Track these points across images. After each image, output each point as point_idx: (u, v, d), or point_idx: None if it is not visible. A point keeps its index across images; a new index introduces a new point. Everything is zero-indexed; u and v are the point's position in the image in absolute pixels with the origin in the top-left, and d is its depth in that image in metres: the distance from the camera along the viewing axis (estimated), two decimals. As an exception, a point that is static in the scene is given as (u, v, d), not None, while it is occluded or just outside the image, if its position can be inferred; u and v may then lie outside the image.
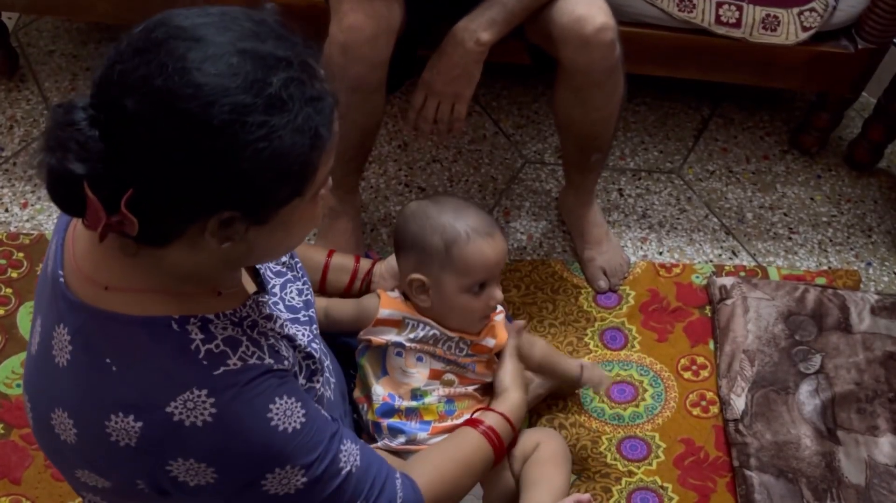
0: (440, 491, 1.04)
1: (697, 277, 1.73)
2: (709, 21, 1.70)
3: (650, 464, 1.47)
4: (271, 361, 0.82)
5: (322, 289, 1.33)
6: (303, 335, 0.93)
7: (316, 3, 1.68)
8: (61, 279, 0.80)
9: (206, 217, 0.71)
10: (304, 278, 1.05)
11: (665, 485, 1.45)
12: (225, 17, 0.70)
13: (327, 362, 1.04)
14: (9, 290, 1.60)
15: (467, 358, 1.23)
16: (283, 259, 1.02)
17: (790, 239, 1.84)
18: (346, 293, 1.33)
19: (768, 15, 1.70)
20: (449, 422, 1.20)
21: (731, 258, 1.80)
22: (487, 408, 1.20)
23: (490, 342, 1.24)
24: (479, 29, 1.33)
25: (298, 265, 1.05)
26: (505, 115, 2.03)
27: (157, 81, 0.66)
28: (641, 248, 1.80)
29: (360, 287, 1.34)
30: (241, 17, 0.71)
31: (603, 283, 1.68)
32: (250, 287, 0.91)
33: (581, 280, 1.71)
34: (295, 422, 0.81)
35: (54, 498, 1.36)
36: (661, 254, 1.79)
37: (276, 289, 0.97)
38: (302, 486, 0.83)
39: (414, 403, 1.17)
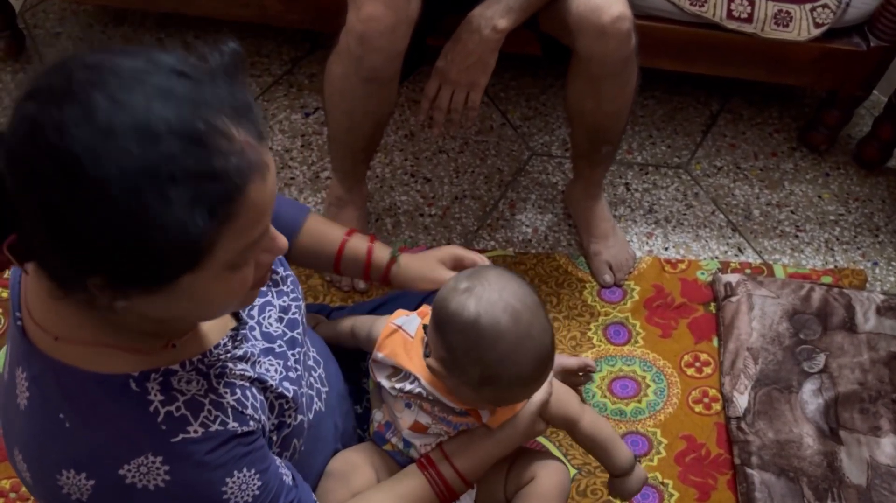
0: None
1: (703, 274, 1.72)
2: (720, 16, 1.68)
3: (651, 460, 1.47)
4: (235, 425, 0.80)
5: (337, 270, 1.21)
6: (275, 371, 0.90)
7: (325, -10, 1.67)
8: (18, 322, 0.78)
9: (83, 276, 0.67)
10: (295, 294, 1.00)
11: (666, 481, 1.45)
12: (138, 70, 0.64)
13: (305, 387, 0.97)
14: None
15: (459, 416, 1.03)
16: (279, 272, 0.97)
17: (797, 237, 1.83)
18: (365, 278, 1.20)
19: (780, 10, 1.69)
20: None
21: (736, 255, 1.79)
22: (446, 456, 1.03)
23: (486, 417, 1.03)
24: (495, 16, 1.32)
25: (290, 279, 1.00)
26: (513, 107, 2.02)
27: (36, 135, 0.62)
28: (647, 243, 1.79)
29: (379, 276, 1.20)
30: (161, 69, 0.65)
31: (608, 278, 1.68)
32: (229, 323, 0.88)
33: (586, 274, 1.70)
34: (248, 495, 0.80)
35: (55, 481, 1.36)
36: (666, 249, 1.78)
37: (255, 312, 0.92)
38: None
39: (402, 446, 1.07)
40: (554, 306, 1.65)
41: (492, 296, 0.93)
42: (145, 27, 2.06)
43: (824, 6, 1.70)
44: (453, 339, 0.93)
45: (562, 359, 1.50)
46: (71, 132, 0.61)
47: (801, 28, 1.69)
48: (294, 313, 0.97)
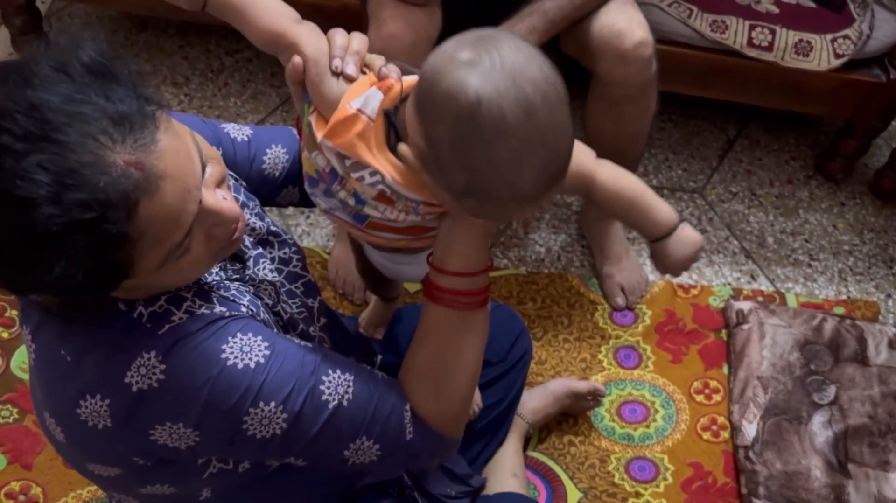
0: (450, 404, 0.88)
1: (715, 300, 1.72)
2: (741, 43, 1.69)
3: (657, 487, 1.47)
4: (223, 309, 0.79)
5: None
6: (270, 296, 0.88)
7: (348, 4, 1.68)
8: None
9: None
10: (296, 248, 0.97)
11: (671, 508, 1.45)
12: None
13: (310, 328, 0.94)
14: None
15: (429, 207, 0.81)
16: (273, 229, 0.95)
17: (810, 266, 1.83)
18: None
19: (801, 40, 1.69)
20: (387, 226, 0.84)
21: (749, 282, 1.79)
22: (439, 269, 0.84)
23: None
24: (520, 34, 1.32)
25: (286, 237, 0.97)
26: (529, 125, 2.02)
27: None
28: (660, 266, 1.79)
29: None
30: (25, 97, 0.63)
31: (620, 301, 1.68)
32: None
33: (598, 296, 1.70)
34: (256, 356, 0.77)
35: (64, 485, 1.37)
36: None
37: (250, 263, 0.90)
38: (285, 425, 0.79)
39: (353, 202, 0.82)
40: (565, 327, 1.65)
41: (503, 77, 0.68)
42: (167, 34, 2.08)
43: (845, 37, 1.70)
44: (439, 130, 0.71)
45: (571, 383, 1.50)
46: None
47: (822, 58, 1.69)
48: (295, 266, 0.96)
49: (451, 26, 1.43)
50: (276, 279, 0.92)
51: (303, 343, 0.84)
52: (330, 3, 1.72)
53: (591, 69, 1.45)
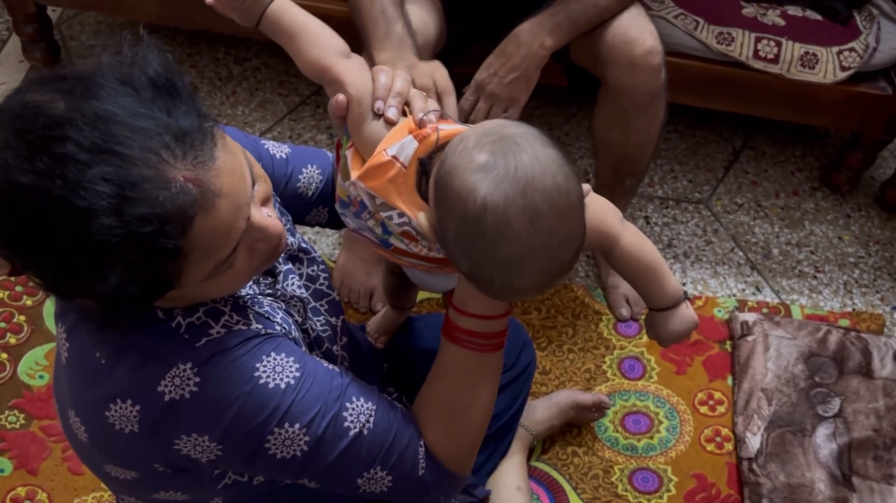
0: (461, 442, 0.90)
1: (720, 311, 1.72)
2: (747, 55, 1.69)
3: (661, 498, 1.47)
4: (259, 326, 0.80)
5: None
6: (299, 313, 0.90)
7: (356, 14, 1.69)
8: None
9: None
10: (323, 266, 0.99)
11: (675, 519, 1.45)
12: (65, 121, 0.64)
13: (334, 347, 0.96)
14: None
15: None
16: (304, 246, 0.98)
17: (815, 278, 1.83)
18: None
19: (807, 52, 1.69)
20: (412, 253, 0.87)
21: (754, 293, 1.79)
22: (459, 310, 0.85)
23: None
24: (544, 32, 1.34)
25: (315, 255, 0.99)
26: (535, 135, 2.03)
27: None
28: (665, 277, 1.79)
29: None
30: (91, 110, 0.64)
31: (625, 312, 1.68)
32: None
33: (603, 306, 1.71)
34: (287, 376, 0.78)
35: (69, 491, 1.38)
36: (684, 284, 1.78)
37: (280, 278, 0.93)
38: (306, 447, 0.80)
39: (380, 231, 0.86)
40: (570, 337, 1.65)
41: (514, 186, 0.70)
42: (177, 42, 2.09)
43: (851, 50, 1.70)
44: (447, 221, 0.74)
45: (576, 395, 1.50)
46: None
47: (828, 71, 1.69)
48: (322, 284, 0.98)
49: (459, 37, 1.45)
50: (304, 295, 0.94)
51: (330, 366, 0.85)
52: (337, 13, 1.73)
53: (600, 77, 1.45)
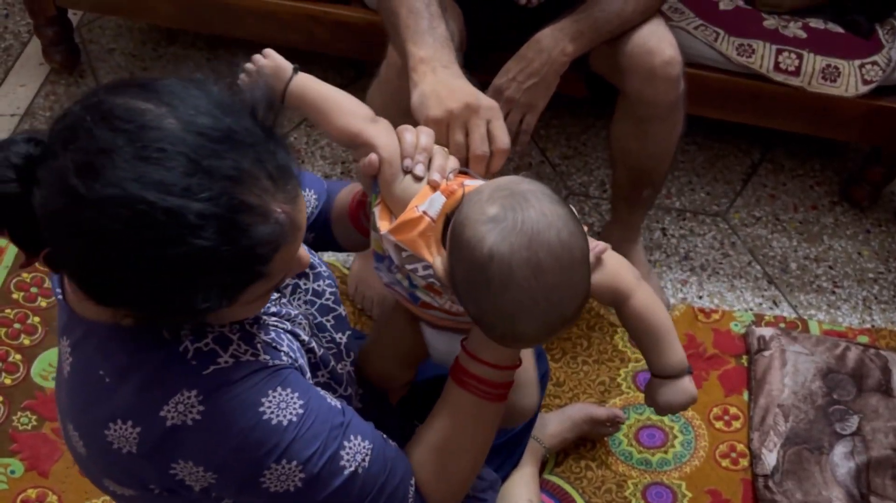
0: (451, 485, 0.92)
1: (736, 325, 1.70)
2: (767, 67, 1.68)
3: (675, 514, 1.45)
4: (267, 357, 0.81)
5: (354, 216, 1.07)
6: (305, 331, 0.92)
7: (374, 21, 1.69)
8: (60, 296, 0.82)
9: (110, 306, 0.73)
10: (330, 281, 1.00)
11: (688, 536, 1.43)
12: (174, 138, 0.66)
13: (338, 366, 0.97)
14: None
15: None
16: (311, 260, 0.97)
17: (834, 293, 1.81)
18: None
19: (829, 65, 1.68)
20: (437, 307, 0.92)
21: (771, 308, 1.77)
22: (471, 356, 0.88)
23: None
24: (566, 38, 1.32)
25: (321, 269, 1.01)
26: (553, 145, 2.02)
27: (71, 180, 0.65)
28: (681, 290, 1.78)
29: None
30: (195, 131, 0.67)
31: (640, 324, 1.66)
32: None
33: (616, 318, 1.69)
34: (290, 413, 0.79)
35: (80, 493, 1.38)
36: (700, 298, 1.77)
37: (287, 291, 0.95)
38: (301, 484, 0.80)
39: (406, 284, 0.90)
40: (584, 349, 1.64)
41: (519, 239, 0.75)
42: (196, 47, 2.10)
43: (873, 63, 1.68)
44: (457, 268, 0.79)
45: (590, 409, 1.49)
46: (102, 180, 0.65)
47: (849, 84, 1.68)
48: (328, 299, 0.99)
49: (477, 45, 1.45)
50: (309, 311, 0.94)
51: (333, 402, 0.85)
52: (356, 21, 1.73)
53: (619, 87, 1.45)
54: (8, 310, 1.58)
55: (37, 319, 1.58)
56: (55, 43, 1.93)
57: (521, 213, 0.75)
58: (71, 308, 0.80)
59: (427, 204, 0.84)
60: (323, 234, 1.04)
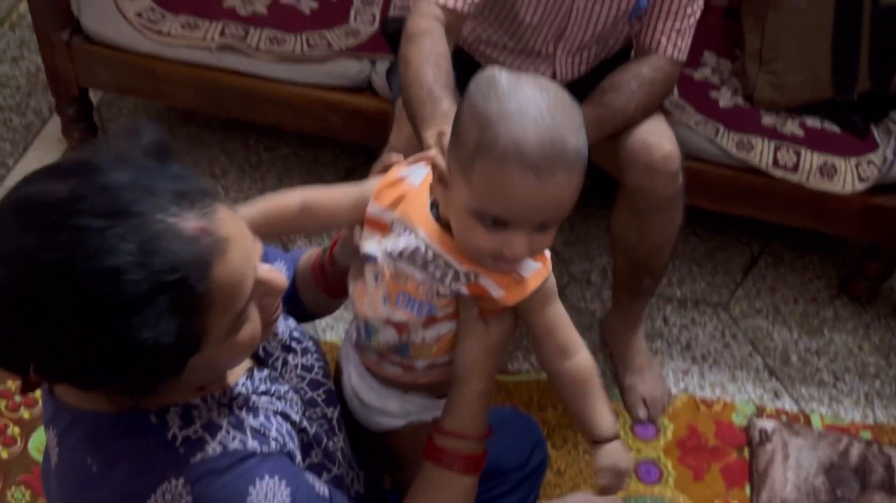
0: None
1: (738, 416, 1.69)
2: (766, 163, 1.72)
3: None
4: (255, 444, 0.80)
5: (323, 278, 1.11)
6: (296, 410, 0.91)
7: (384, 109, 1.75)
8: (45, 387, 0.82)
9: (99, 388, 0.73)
10: (318, 356, 1.01)
11: None
12: (77, 198, 0.66)
13: (330, 443, 0.97)
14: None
15: (445, 300, 0.88)
16: (296, 335, 0.99)
17: (835, 387, 1.81)
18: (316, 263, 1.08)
19: (826, 163, 1.72)
20: (396, 363, 0.95)
21: (773, 400, 1.76)
22: (437, 429, 0.92)
23: (497, 292, 0.86)
24: None
25: (311, 345, 1.01)
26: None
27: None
28: (683, 380, 1.78)
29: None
30: (98, 183, 0.67)
31: (642, 413, 1.66)
32: (246, 362, 0.90)
33: (619, 406, 1.69)
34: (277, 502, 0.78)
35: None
36: (702, 388, 1.76)
37: (278, 364, 0.95)
38: None
39: (363, 330, 0.94)
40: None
41: (530, 78, 0.80)
42: (210, 128, 2.16)
43: (869, 162, 1.73)
44: (463, 107, 0.81)
45: (588, 498, 1.46)
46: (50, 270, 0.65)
47: (846, 181, 1.72)
48: (317, 373, 0.98)
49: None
50: (300, 386, 0.94)
51: (321, 490, 0.85)
52: (367, 109, 1.79)
53: (619, 179, 1.48)
54: (10, 382, 1.58)
55: (38, 391, 1.57)
56: (75, 121, 1.98)
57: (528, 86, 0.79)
58: (57, 398, 0.80)
59: (407, 170, 0.86)
60: (293, 303, 1.04)
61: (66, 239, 0.65)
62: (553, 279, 0.90)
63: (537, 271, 0.87)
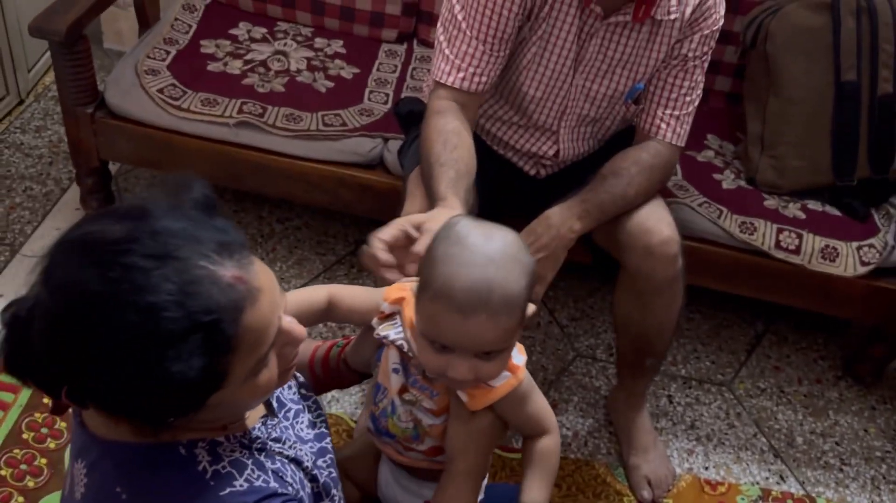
0: None
1: (743, 499, 1.68)
2: (769, 245, 1.75)
3: None
4: (276, 485, 0.84)
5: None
6: (308, 458, 0.95)
7: (395, 185, 1.79)
8: (78, 418, 0.86)
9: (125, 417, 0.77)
10: (319, 411, 1.06)
11: None
12: (127, 241, 0.72)
13: (337, 492, 1.01)
14: (63, 424, 1.65)
15: (426, 385, 1.02)
16: (303, 391, 1.04)
17: (841, 470, 1.80)
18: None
19: (828, 246, 1.75)
20: (413, 448, 1.06)
21: (778, 483, 1.75)
22: None
23: (463, 396, 0.98)
24: (573, 217, 1.41)
25: (312, 399, 1.06)
26: (560, 306, 2.07)
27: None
28: (687, 459, 1.77)
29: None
30: (148, 229, 0.73)
31: (646, 494, 1.65)
32: (260, 410, 0.94)
33: (624, 487, 1.68)
34: None
35: None
36: (706, 468, 1.76)
37: (290, 415, 0.99)
38: None
39: (389, 410, 1.04)
40: (589, 517, 1.62)
41: (482, 228, 0.92)
42: (224, 199, 2.21)
43: (870, 246, 1.76)
44: (427, 255, 0.93)
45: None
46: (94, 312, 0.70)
47: (848, 264, 1.74)
48: (320, 427, 1.03)
49: (488, 208, 1.53)
50: (310, 436, 0.99)
51: None
52: (378, 185, 1.84)
53: (620, 261, 1.52)
54: (16, 450, 1.59)
55: (43, 461, 1.58)
56: (94, 191, 2.03)
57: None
58: (88, 431, 0.83)
59: (411, 281, 0.99)
60: None
61: (117, 274, 0.71)
62: (526, 384, 0.99)
63: (506, 381, 0.97)
